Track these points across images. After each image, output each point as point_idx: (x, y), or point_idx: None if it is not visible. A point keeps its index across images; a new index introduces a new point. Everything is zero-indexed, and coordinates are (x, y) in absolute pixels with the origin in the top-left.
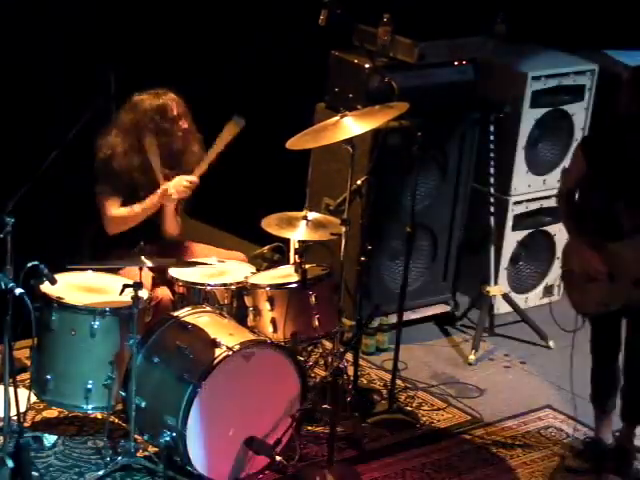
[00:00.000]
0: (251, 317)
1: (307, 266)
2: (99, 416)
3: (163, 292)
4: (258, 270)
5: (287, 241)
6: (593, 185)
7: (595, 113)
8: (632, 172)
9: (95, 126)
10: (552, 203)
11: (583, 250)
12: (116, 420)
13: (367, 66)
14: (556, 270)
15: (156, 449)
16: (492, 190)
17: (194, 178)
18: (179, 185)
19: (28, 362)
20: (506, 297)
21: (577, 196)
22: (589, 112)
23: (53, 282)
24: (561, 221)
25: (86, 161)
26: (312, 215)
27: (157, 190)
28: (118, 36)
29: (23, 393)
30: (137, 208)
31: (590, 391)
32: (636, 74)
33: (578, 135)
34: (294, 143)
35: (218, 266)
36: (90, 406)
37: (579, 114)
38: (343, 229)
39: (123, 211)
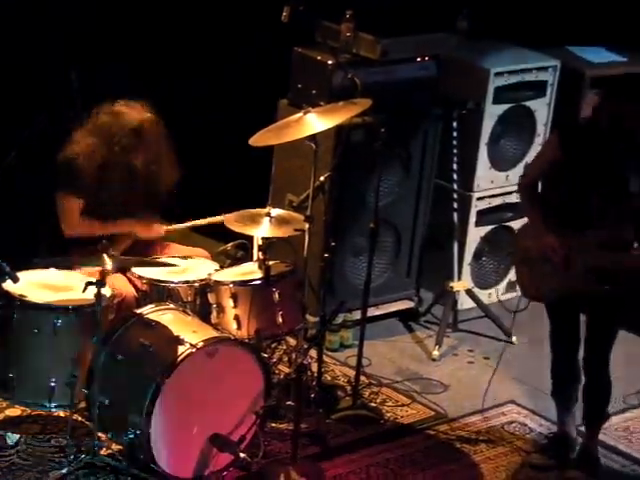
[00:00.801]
0: (214, 314)
1: (270, 263)
2: (62, 414)
3: (126, 289)
4: (221, 267)
5: (250, 238)
6: (564, 175)
7: (557, 109)
8: (608, 167)
9: (58, 125)
10: (515, 199)
11: (545, 234)
12: (79, 418)
13: (330, 62)
14: None
15: (120, 447)
16: (455, 186)
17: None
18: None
19: None
20: (470, 293)
21: (541, 184)
22: (551, 108)
23: (15, 280)
24: (522, 207)
25: (44, 160)
26: (275, 212)
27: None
28: (79, 35)
29: None
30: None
31: (551, 386)
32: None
33: (540, 131)
34: (257, 140)
35: (182, 263)
36: (53, 404)
37: (541, 110)
38: (306, 226)
39: (86, 224)
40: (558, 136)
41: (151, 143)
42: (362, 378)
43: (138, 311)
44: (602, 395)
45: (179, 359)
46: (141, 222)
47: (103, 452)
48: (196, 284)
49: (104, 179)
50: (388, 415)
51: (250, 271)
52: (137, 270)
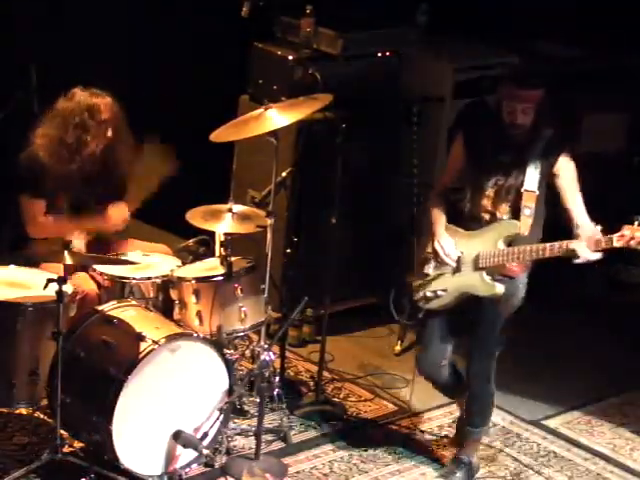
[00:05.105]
0: (177, 310)
1: (233, 259)
2: (24, 412)
3: (88, 286)
4: (184, 263)
5: (212, 234)
6: (467, 173)
7: None
8: (507, 159)
9: (17, 122)
10: None
11: (439, 236)
12: (41, 416)
13: (291, 58)
14: None
15: (82, 444)
16: (416, 181)
17: (127, 215)
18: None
19: None
20: None
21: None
22: None
23: None
24: (428, 208)
25: (4, 156)
26: (237, 207)
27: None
28: (41, 31)
29: None
30: (69, 226)
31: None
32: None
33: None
34: (218, 136)
35: (143, 260)
36: (15, 402)
37: None
38: (268, 221)
39: (52, 223)
40: (462, 133)
41: (107, 124)
42: (325, 374)
43: (100, 308)
44: (481, 407)
45: (141, 356)
46: (102, 213)
47: (65, 450)
48: (158, 280)
49: (65, 168)
50: (351, 410)
51: (212, 267)
52: (99, 266)
